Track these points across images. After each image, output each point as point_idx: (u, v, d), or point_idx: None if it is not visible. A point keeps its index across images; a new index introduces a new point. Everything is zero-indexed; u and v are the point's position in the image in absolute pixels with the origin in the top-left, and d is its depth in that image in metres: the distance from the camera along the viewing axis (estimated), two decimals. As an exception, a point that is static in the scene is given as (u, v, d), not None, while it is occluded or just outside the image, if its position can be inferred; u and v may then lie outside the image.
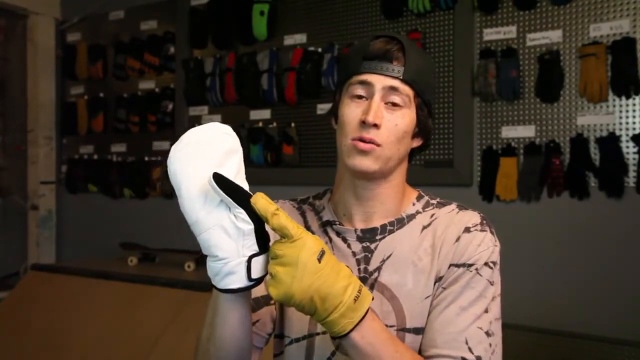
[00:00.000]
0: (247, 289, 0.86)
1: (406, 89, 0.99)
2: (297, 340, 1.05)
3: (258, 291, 1.06)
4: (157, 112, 3.47)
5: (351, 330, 0.85)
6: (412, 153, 1.08)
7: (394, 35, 1.01)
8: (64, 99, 3.97)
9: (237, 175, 0.84)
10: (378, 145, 0.97)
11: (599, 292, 2.34)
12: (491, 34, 2.58)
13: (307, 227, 1.10)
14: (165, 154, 0.87)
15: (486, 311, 0.97)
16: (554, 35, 2.45)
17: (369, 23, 2.88)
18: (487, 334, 0.96)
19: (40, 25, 3.88)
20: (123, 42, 3.66)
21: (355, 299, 0.85)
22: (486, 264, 0.99)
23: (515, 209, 2.51)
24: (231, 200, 0.81)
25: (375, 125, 0.97)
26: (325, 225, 1.08)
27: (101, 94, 3.77)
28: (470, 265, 0.98)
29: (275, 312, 1.09)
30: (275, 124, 3.10)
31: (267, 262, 0.86)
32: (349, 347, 0.88)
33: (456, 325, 0.95)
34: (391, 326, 1.00)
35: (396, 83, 0.98)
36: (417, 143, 1.06)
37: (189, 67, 3.32)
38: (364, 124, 0.97)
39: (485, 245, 1.00)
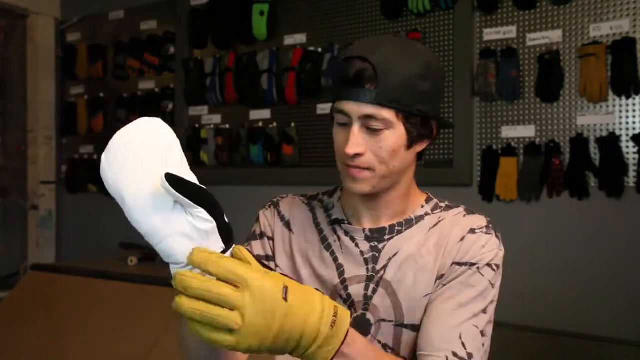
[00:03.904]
0: None
1: (383, 113, 0.95)
2: None
3: None
4: (157, 112, 3.47)
5: (333, 357, 0.78)
6: (421, 153, 1.06)
7: (363, 55, 0.95)
8: (64, 99, 3.97)
9: (181, 170, 0.75)
10: (367, 169, 0.98)
11: (599, 292, 2.34)
12: (491, 34, 2.58)
13: (317, 224, 1.11)
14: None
15: (484, 312, 0.97)
16: (554, 35, 2.45)
17: (369, 23, 2.88)
18: (482, 333, 0.96)
19: (40, 25, 3.88)
20: (123, 42, 3.66)
21: (332, 324, 0.76)
22: (489, 264, 0.99)
23: (515, 209, 2.51)
24: (188, 200, 0.71)
25: (358, 155, 0.97)
26: (334, 224, 1.09)
27: (101, 94, 3.77)
28: (473, 264, 0.99)
29: None
30: (275, 124, 3.10)
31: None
32: None
33: (452, 319, 0.95)
34: (389, 321, 1.01)
35: (370, 110, 0.94)
36: (421, 147, 1.03)
37: (189, 67, 3.32)
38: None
39: (489, 247, 1.00)
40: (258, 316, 0.71)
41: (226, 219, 0.77)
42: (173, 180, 0.70)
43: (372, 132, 0.96)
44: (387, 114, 0.95)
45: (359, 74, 0.95)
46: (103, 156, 0.74)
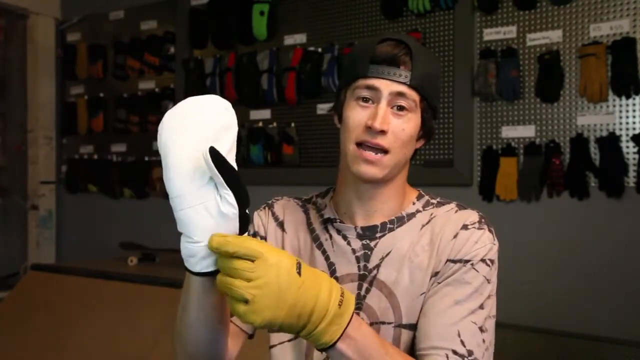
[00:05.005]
0: None
1: (412, 94, 0.99)
2: (295, 337, 1.05)
3: None
4: (157, 112, 3.47)
5: (339, 339, 0.81)
6: (414, 153, 1.08)
7: (401, 39, 1.00)
8: (64, 99, 3.98)
9: (229, 154, 0.78)
10: (386, 151, 0.98)
11: (599, 292, 2.34)
12: (491, 34, 2.58)
13: (309, 224, 1.11)
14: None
15: (481, 307, 0.96)
16: (554, 35, 2.45)
17: (369, 23, 2.88)
18: (481, 329, 0.95)
19: (40, 25, 3.89)
20: (123, 42, 3.66)
21: (340, 303, 0.80)
22: (483, 260, 0.99)
23: (515, 209, 2.51)
24: (222, 179, 0.74)
25: (382, 131, 0.97)
26: (326, 223, 1.09)
27: (101, 94, 3.77)
28: (467, 261, 0.98)
29: None
30: (275, 124, 3.10)
31: None
32: (339, 356, 0.83)
33: (449, 317, 0.95)
34: (389, 323, 1.00)
35: (403, 88, 0.98)
36: (420, 144, 1.07)
37: (189, 67, 3.32)
38: (369, 129, 0.97)
39: (482, 243, 1.00)
40: (273, 288, 0.75)
41: (247, 211, 0.80)
42: (215, 155, 0.73)
43: (397, 112, 0.99)
44: (416, 96, 1.00)
45: (396, 55, 0.99)
46: (166, 115, 0.78)
